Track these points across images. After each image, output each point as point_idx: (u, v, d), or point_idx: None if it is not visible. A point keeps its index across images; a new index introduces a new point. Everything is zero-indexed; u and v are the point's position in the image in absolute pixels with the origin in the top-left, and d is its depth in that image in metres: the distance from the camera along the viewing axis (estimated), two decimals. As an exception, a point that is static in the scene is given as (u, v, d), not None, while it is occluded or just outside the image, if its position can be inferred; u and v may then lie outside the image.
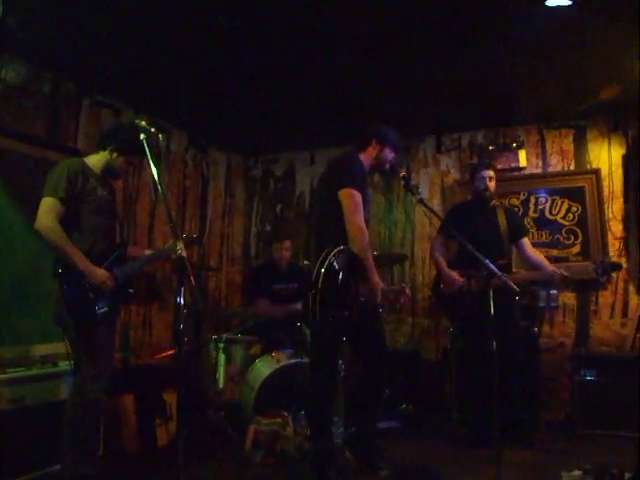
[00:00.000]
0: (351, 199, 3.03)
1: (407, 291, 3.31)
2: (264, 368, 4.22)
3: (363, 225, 2.98)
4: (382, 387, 3.51)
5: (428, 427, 4.63)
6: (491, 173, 4.26)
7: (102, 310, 3.02)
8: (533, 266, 4.27)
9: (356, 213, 3.00)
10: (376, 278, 2.93)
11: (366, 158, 3.42)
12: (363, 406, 3.43)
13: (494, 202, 4.38)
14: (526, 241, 4.34)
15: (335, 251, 2.85)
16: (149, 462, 3.78)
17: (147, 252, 3.45)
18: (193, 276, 2.52)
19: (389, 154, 3.41)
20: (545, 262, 4.19)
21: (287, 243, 5.11)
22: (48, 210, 2.96)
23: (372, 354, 3.31)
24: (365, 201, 3.15)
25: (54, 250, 2.99)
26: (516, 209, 5.26)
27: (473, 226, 4.00)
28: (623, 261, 4.92)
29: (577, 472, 3.20)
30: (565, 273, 3.93)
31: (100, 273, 3.01)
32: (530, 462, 3.66)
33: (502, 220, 4.25)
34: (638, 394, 3.97)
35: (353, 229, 2.97)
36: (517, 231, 4.32)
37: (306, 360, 4.26)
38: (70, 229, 3.00)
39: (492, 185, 4.26)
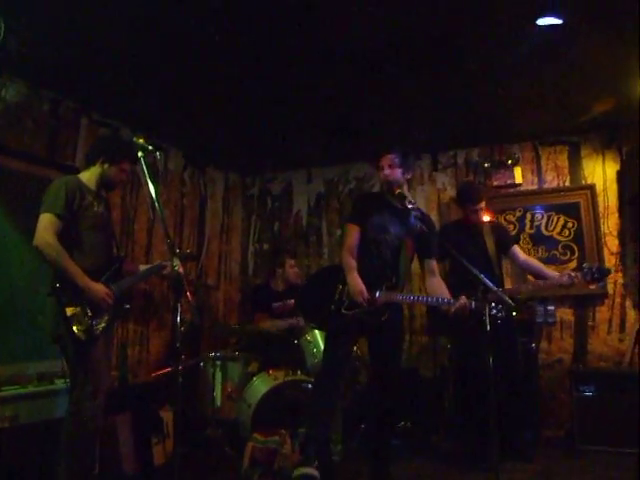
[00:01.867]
0: (346, 232, 3.67)
1: (461, 301, 3.27)
2: (261, 385, 4.20)
3: (345, 252, 3.53)
4: (393, 406, 3.58)
5: (426, 445, 4.59)
6: (482, 205, 4.31)
7: (100, 326, 3.03)
8: (532, 272, 4.27)
9: (344, 243, 3.61)
10: (351, 282, 3.37)
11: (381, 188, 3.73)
12: (377, 423, 3.57)
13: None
14: (517, 249, 4.36)
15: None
16: (146, 481, 3.76)
17: (142, 267, 3.47)
18: (190, 292, 2.54)
19: (382, 173, 3.55)
20: (542, 267, 4.20)
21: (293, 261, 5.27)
22: (47, 226, 2.97)
23: (387, 373, 3.52)
24: (374, 224, 3.52)
25: (52, 266, 3.00)
26: (512, 225, 5.29)
27: (461, 247, 4.01)
28: (619, 276, 4.94)
29: (577, 487, 3.19)
30: (573, 274, 3.89)
31: (99, 289, 3.02)
32: (529, 478, 3.63)
33: (489, 239, 4.28)
34: (638, 409, 3.95)
35: (342, 254, 3.58)
36: (506, 243, 4.35)
37: (303, 377, 4.27)
38: (68, 246, 3.01)
39: (483, 214, 4.33)
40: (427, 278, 3.61)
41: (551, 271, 4.18)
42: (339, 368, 3.50)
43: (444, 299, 3.36)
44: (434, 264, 3.60)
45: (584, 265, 3.97)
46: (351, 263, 3.44)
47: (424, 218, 3.52)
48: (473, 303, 3.20)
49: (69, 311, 2.93)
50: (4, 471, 3.16)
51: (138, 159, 2.82)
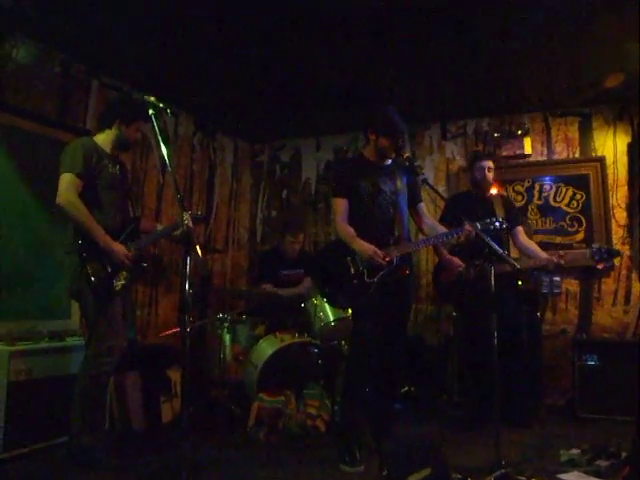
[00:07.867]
0: (334, 207, 3.56)
1: (466, 227, 3.27)
2: (267, 347, 4.27)
3: (338, 223, 3.47)
4: (397, 368, 3.66)
5: (429, 410, 4.66)
6: (490, 164, 4.26)
7: (119, 283, 3.10)
8: (527, 255, 4.25)
9: (336, 218, 3.50)
10: (359, 248, 3.31)
11: (370, 152, 3.54)
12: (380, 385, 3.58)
13: (492, 193, 4.35)
14: (520, 230, 4.30)
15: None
16: (154, 437, 3.84)
17: (158, 226, 3.52)
18: (199, 246, 2.58)
19: (384, 142, 3.41)
20: (539, 251, 4.12)
21: (300, 236, 5.18)
22: (68, 186, 3.04)
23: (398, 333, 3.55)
24: (363, 193, 3.44)
25: (75, 224, 3.07)
26: (520, 196, 5.29)
27: (471, 216, 4.01)
28: (626, 249, 4.95)
29: (575, 451, 3.24)
30: (560, 261, 3.83)
31: (119, 248, 3.09)
32: (529, 442, 3.69)
33: (499, 210, 4.25)
34: (638, 379, 3.98)
35: (337, 228, 3.50)
36: (512, 220, 4.31)
37: (309, 340, 4.33)
38: (87, 205, 3.07)
39: (490, 175, 4.27)
40: (422, 222, 3.66)
41: (544, 254, 4.07)
42: (369, 345, 3.38)
43: (451, 232, 3.39)
44: (424, 206, 3.70)
45: (593, 245, 3.95)
46: (349, 230, 3.38)
47: (410, 165, 3.46)
48: (478, 224, 3.25)
49: (89, 268, 3.01)
50: (18, 422, 3.24)
51: (149, 117, 2.83)
